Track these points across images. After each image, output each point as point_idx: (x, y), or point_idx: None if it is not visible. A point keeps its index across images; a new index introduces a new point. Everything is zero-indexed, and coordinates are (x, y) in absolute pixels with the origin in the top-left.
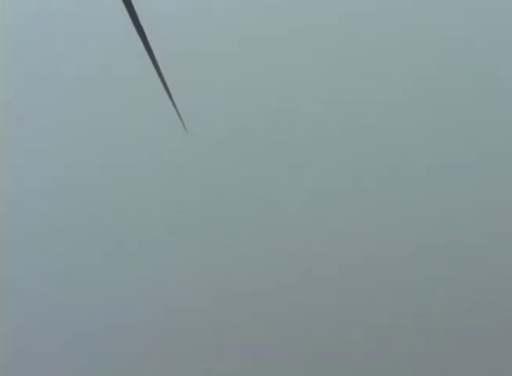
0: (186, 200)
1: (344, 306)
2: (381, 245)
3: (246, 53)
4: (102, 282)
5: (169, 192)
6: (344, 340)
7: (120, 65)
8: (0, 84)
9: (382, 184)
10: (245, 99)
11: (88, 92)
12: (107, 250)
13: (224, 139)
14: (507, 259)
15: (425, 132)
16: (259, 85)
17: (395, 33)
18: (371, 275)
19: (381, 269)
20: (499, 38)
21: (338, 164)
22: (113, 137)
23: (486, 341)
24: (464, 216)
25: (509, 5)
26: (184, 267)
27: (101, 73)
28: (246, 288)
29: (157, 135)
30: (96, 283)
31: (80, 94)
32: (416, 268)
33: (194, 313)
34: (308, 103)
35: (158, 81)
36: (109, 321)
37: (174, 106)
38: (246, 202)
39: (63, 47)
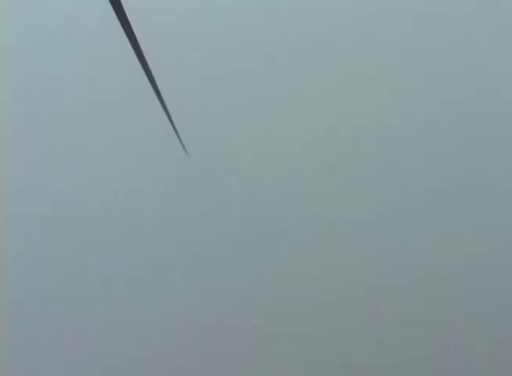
0: (185, 225)
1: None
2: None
3: (247, 77)
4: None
5: (168, 215)
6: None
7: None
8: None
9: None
10: (247, 119)
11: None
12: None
13: (223, 160)
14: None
15: (428, 139)
16: (260, 105)
17: (396, 34)
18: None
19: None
20: (500, 38)
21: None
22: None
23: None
24: (464, 216)
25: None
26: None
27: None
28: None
29: (156, 156)
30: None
31: (79, 113)
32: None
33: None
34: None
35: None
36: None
37: (175, 130)
38: (245, 226)
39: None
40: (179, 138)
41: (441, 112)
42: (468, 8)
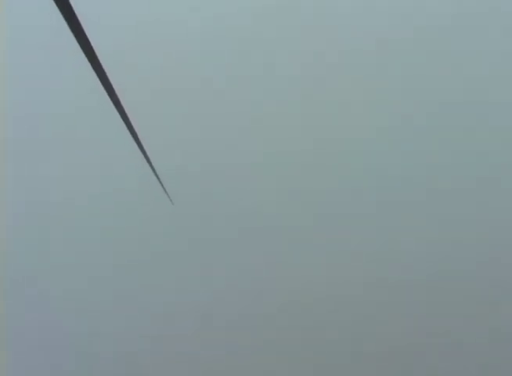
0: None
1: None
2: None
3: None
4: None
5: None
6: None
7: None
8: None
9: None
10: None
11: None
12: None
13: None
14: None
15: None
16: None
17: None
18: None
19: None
20: (499, 43)
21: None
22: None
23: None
24: (464, 218)
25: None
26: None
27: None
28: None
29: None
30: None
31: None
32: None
33: None
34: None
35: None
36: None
37: (155, 173)
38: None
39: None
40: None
41: (441, 112)
42: (468, 10)
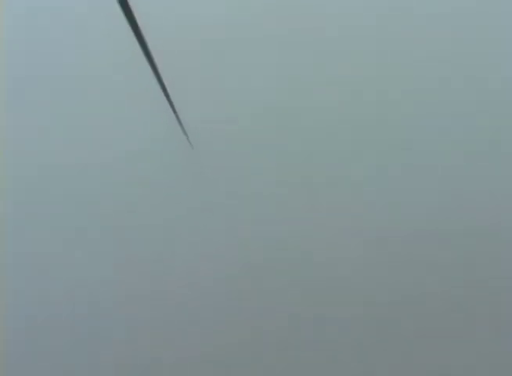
0: (188, 215)
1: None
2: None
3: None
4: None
5: (171, 205)
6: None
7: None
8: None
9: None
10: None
11: (87, 104)
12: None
13: (228, 152)
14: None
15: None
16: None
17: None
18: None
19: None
20: (500, 39)
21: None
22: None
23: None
24: (461, 215)
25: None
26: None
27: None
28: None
29: (159, 147)
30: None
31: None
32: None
33: None
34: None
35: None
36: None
37: (179, 121)
38: (249, 215)
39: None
40: (184, 130)
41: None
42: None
